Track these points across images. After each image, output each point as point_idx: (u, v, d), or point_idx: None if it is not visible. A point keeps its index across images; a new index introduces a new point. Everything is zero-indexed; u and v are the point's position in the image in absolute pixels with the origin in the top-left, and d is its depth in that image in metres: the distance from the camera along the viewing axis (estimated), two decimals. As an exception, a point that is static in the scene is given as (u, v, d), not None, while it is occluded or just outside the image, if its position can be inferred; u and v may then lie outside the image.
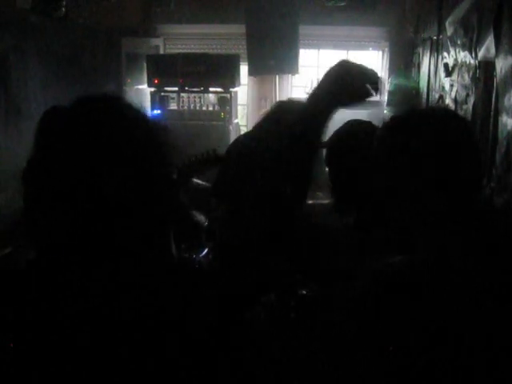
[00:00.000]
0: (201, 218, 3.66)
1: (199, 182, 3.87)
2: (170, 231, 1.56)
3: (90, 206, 1.33)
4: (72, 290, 1.38)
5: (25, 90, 5.07)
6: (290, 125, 3.46)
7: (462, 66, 3.28)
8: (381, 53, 7.16)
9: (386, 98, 5.86)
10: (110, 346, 1.35)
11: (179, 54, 7.02)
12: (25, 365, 1.37)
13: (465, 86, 3.15)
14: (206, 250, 5.00)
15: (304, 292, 2.72)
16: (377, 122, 6.04)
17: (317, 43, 7.30)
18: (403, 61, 6.00)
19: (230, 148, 3.76)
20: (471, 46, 3.00)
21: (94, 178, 1.33)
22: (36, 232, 1.44)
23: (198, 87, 6.84)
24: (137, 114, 1.59)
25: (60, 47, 5.60)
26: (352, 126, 2.41)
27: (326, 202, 3.94)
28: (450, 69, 3.62)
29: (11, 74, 4.92)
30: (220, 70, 6.66)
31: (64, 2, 5.03)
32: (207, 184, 4.10)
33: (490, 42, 2.64)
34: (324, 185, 2.54)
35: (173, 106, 7.02)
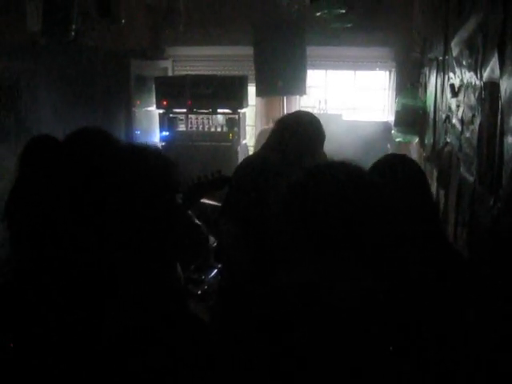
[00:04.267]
0: (210, 237, 3.67)
1: (207, 201, 3.86)
2: (174, 255, 1.57)
3: (79, 239, 1.35)
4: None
5: (35, 113, 5.12)
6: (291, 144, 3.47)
7: (467, 86, 3.29)
8: (388, 73, 7.20)
9: (393, 117, 5.88)
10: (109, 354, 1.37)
11: (187, 75, 7.07)
12: (24, 365, 1.39)
13: (471, 107, 3.16)
14: (214, 271, 5.01)
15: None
16: (385, 142, 6.06)
17: (324, 64, 7.34)
18: (410, 81, 6.02)
19: (236, 169, 3.79)
20: (476, 67, 3.02)
21: (87, 211, 1.35)
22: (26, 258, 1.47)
23: (206, 108, 6.89)
24: (131, 148, 1.61)
25: (70, 70, 5.66)
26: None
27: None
28: (457, 89, 3.63)
29: (22, 96, 4.98)
30: (228, 92, 6.71)
31: (74, 25, 5.08)
32: (216, 203, 4.10)
33: (494, 63, 2.65)
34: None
35: (181, 128, 7.05)
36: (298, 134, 3.52)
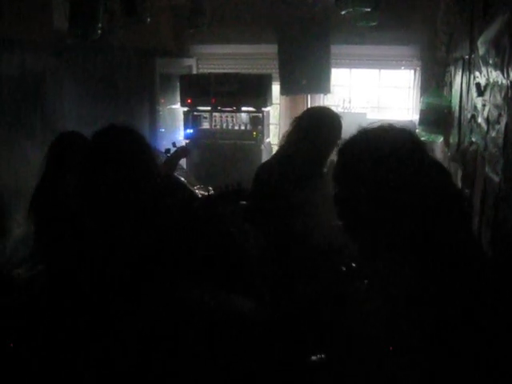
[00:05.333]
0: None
1: None
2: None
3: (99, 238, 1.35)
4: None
5: (61, 111, 5.16)
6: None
7: (493, 85, 3.26)
8: (413, 71, 7.15)
9: (418, 116, 5.84)
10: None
11: (211, 73, 7.10)
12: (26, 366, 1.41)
13: (497, 106, 3.13)
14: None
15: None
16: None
17: (348, 62, 7.32)
18: (435, 79, 5.98)
19: (257, 174, 3.78)
20: (503, 66, 2.99)
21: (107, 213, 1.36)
22: (47, 255, 1.48)
23: (230, 107, 6.91)
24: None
25: (95, 68, 5.71)
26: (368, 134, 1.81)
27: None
28: (482, 88, 3.60)
29: (47, 94, 5.03)
30: (252, 90, 6.72)
31: (100, 24, 5.11)
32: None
33: (521, 62, 2.64)
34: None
35: (205, 126, 7.09)
36: (319, 133, 3.50)
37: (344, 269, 3.68)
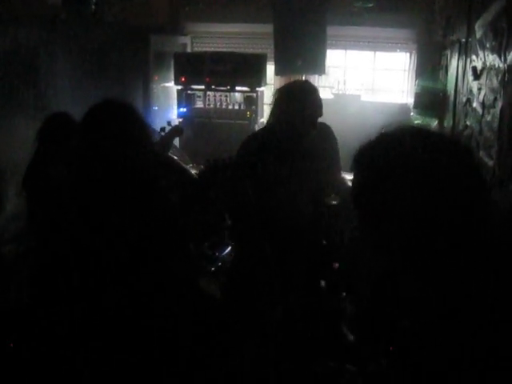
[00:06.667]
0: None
1: None
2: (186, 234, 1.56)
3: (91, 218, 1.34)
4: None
5: (54, 87, 5.13)
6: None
7: (490, 69, 3.25)
8: (408, 54, 7.13)
9: (412, 100, 5.83)
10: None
11: (206, 52, 7.05)
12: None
13: (493, 90, 3.13)
14: (228, 248, 5.03)
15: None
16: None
17: (344, 44, 7.29)
18: (431, 63, 5.96)
19: (241, 144, 3.79)
20: (500, 50, 2.98)
21: (99, 193, 1.34)
22: (40, 235, 1.47)
23: (224, 86, 6.86)
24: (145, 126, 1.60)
25: (89, 44, 5.66)
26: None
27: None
28: (479, 72, 3.59)
29: (41, 69, 4.99)
30: (247, 70, 6.68)
31: (94, 0, 5.07)
32: None
33: (519, 46, 2.63)
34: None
35: (199, 104, 7.04)
36: (296, 104, 3.49)
37: (325, 242, 3.69)
